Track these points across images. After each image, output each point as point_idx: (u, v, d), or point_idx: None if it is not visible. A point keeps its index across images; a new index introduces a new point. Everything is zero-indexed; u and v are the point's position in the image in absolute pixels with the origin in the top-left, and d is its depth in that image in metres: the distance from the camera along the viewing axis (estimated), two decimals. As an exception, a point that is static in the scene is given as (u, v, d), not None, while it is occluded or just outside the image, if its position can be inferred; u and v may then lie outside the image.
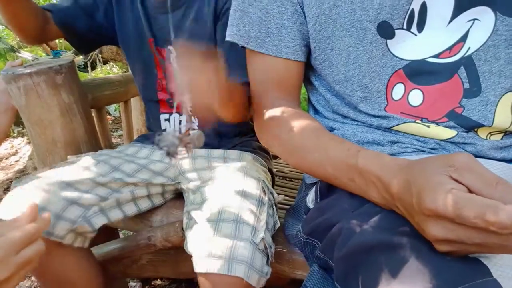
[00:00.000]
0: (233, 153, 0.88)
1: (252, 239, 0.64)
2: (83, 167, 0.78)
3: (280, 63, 0.64)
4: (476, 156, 0.58)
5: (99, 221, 0.74)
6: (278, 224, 0.75)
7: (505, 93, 0.57)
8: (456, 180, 0.39)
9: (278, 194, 0.92)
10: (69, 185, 0.72)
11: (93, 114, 1.00)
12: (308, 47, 0.64)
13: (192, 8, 0.83)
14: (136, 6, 0.90)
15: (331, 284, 0.60)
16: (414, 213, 0.42)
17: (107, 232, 1.00)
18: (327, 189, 0.64)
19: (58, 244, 0.70)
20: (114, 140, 2.33)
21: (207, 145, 0.87)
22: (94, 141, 0.94)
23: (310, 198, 0.69)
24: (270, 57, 0.63)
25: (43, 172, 0.74)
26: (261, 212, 0.70)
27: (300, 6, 0.60)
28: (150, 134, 0.98)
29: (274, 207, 0.77)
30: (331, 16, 0.58)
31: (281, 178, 1.30)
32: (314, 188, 0.69)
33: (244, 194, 0.71)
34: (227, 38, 0.66)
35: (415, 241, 0.44)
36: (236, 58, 0.71)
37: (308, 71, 0.69)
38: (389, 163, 0.49)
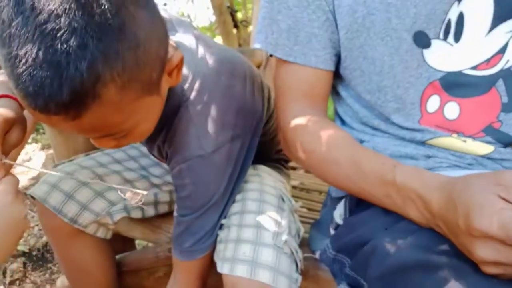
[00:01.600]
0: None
1: (275, 244, 0.63)
2: (115, 160, 0.80)
3: (308, 72, 0.62)
4: None
5: (120, 214, 0.76)
6: (302, 230, 0.73)
7: None
8: (505, 199, 0.37)
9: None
10: (98, 177, 0.74)
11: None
12: (338, 56, 0.62)
13: None
14: None
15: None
16: (459, 233, 0.41)
17: (124, 242, 0.99)
18: (357, 204, 0.62)
19: (81, 232, 0.73)
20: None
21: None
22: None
23: (338, 213, 0.67)
24: (299, 66, 0.62)
25: (77, 159, 0.78)
26: (282, 217, 0.68)
27: (332, 15, 0.59)
28: None
29: (294, 214, 0.75)
30: (365, 25, 0.56)
31: (299, 189, 1.28)
32: (342, 202, 0.67)
33: (262, 200, 0.70)
34: (256, 45, 0.65)
35: (457, 261, 0.42)
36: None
37: (336, 81, 0.67)
38: (430, 179, 0.47)
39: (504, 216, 0.36)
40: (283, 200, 0.74)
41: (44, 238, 1.50)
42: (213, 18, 2.28)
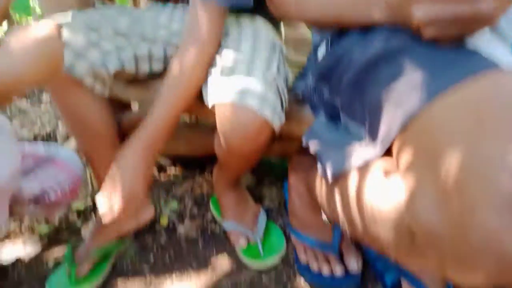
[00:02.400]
0: (245, 15, 0.86)
1: (264, 77, 0.67)
2: (107, 15, 0.79)
3: None
4: None
5: (114, 66, 0.75)
6: (290, 75, 0.77)
7: None
8: None
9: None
10: (92, 29, 0.74)
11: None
12: None
13: None
14: None
15: (335, 128, 0.62)
16: (404, 4, 0.45)
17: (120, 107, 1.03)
18: (338, 37, 0.64)
19: (79, 84, 0.74)
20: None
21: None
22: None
23: (321, 53, 0.69)
24: None
25: (72, 12, 0.77)
26: (273, 58, 0.72)
27: None
28: None
29: (285, 60, 0.79)
30: None
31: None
32: (324, 43, 0.69)
33: (256, 38, 0.74)
34: None
35: (414, 44, 0.46)
36: None
37: None
38: None
39: None
40: (275, 45, 0.77)
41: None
42: None
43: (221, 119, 0.66)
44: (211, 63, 0.73)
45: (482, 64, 0.40)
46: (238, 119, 0.64)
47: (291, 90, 0.79)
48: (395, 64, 0.45)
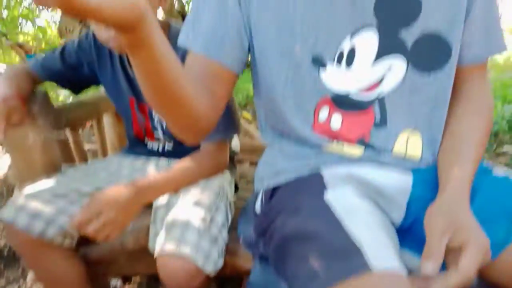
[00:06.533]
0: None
1: (202, 226, 0.81)
2: (72, 178, 0.93)
3: (216, 68, 0.67)
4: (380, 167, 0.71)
5: None
6: (231, 216, 0.92)
7: (403, 130, 0.70)
8: None
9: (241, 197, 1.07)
10: (58, 196, 0.86)
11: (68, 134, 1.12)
12: (246, 62, 0.72)
13: None
14: (116, 65, 1.00)
15: (271, 277, 0.73)
16: None
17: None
18: (270, 194, 0.76)
19: (49, 245, 0.84)
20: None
21: (169, 156, 1.02)
22: (70, 161, 1.05)
23: (258, 204, 0.81)
24: (209, 60, 0.67)
25: (40, 182, 0.89)
26: (215, 205, 0.88)
27: (248, 26, 0.68)
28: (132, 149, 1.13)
29: (229, 206, 0.94)
30: (274, 42, 0.68)
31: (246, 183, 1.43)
32: (260, 194, 0.82)
33: (199, 201, 0.87)
34: (178, 43, 0.70)
35: (324, 230, 0.56)
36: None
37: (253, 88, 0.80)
38: None
39: None
40: (220, 195, 0.92)
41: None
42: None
43: (160, 268, 0.78)
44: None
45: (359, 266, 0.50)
46: (172, 267, 0.76)
47: (235, 228, 0.92)
48: (304, 248, 0.56)
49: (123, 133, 1.37)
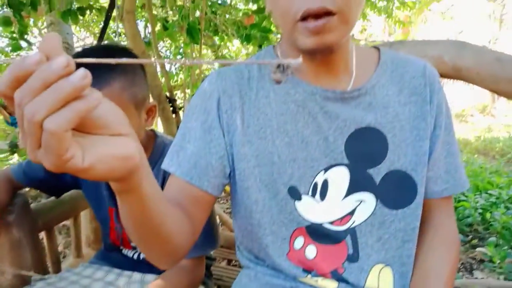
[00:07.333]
0: None
1: None
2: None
3: (197, 193, 0.69)
4: None
5: None
6: None
7: (375, 265, 0.73)
8: None
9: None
10: None
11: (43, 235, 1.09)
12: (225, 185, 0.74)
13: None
14: None
15: None
16: None
17: None
18: None
19: None
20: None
21: (141, 270, 1.00)
22: (42, 269, 1.02)
23: None
24: (190, 185, 0.68)
25: None
26: None
27: (229, 155, 0.72)
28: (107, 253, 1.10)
29: None
30: (253, 172, 0.71)
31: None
32: None
33: None
34: (162, 167, 0.72)
35: None
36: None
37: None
38: None
39: None
40: None
41: None
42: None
43: None
44: None
45: None
46: None
47: None
48: None
49: (99, 229, 1.35)
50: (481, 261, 2.32)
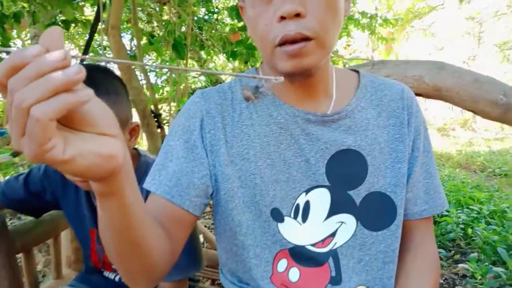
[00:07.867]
0: None
1: None
2: None
3: (179, 212, 0.68)
4: None
5: None
6: None
7: (356, 287, 0.72)
8: None
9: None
10: None
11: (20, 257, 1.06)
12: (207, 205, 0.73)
13: None
14: (80, 194, 1.00)
15: None
16: None
17: None
18: None
19: None
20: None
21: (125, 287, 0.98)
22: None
23: None
24: (171, 204, 0.67)
25: None
26: None
27: (212, 175, 0.71)
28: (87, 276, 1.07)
29: None
30: (237, 194, 0.70)
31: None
32: None
33: None
34: (144, 186, 0.70)
35: None
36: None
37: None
38: None
39: None
40: None
41: None
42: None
43: None
44: None
45: None
46: None
47: None
48: None
49: (80, 249, 1.32)
50: (464, 276, 2.35)
